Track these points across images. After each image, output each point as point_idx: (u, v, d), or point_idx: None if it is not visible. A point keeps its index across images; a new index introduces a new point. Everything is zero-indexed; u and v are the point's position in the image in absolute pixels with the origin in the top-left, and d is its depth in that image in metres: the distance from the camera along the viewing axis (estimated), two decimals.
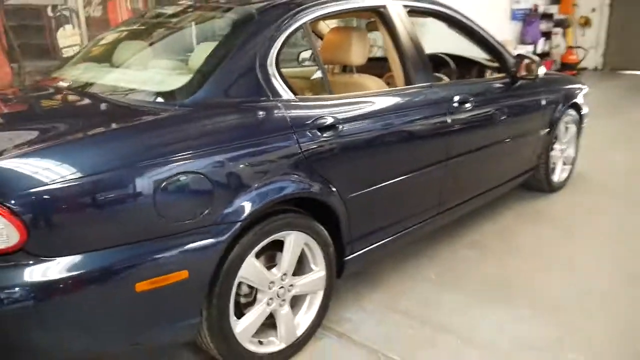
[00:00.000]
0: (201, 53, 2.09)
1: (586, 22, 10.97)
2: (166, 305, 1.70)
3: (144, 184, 1.59)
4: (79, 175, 1.51)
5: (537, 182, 3.76)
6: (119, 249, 1.58)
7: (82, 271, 1.51)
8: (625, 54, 10.77)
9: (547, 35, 10.35)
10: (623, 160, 4.74)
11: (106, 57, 2.42)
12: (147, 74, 2.18)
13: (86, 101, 2.11)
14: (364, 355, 2.13)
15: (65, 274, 1.49)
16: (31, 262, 1.48)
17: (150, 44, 2.47)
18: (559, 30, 10.56)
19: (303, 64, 3.71)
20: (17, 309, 1.47)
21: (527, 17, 9.84)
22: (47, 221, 1.48)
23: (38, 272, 1.47)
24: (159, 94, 1.93)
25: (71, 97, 2.23)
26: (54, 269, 1.49)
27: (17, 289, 1.45)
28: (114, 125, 1.74)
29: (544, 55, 10.33)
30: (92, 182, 1.52)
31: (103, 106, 2.01)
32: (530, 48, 9.68)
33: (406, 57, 2.57)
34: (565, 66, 10.19)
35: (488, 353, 2.13)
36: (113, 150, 1.61)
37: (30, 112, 2.18)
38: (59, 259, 1.50)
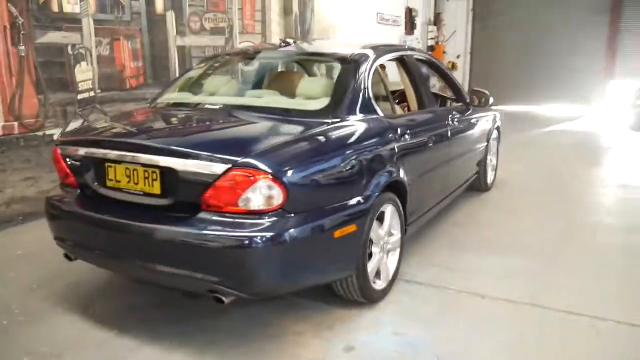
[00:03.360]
0: (316, 85, 3.03)
1: (453, 66, 13.28)
2: (345, 249, 2.56)
3: (335, 167, 2.47)
4: (308, 160, 2.36)
5: (478, 183, 5.08)
6: (326, 208, 2.42)
7: (311, 222, 2.34)
8: None
9: None
10: (519, 169, 6.37)
11: (238, 88, 3.23)
12: (286, 100, 3.02)
13: (263, 115, 2.84)
14: (429, 289, 3.13)
15: (303, 224, 2.30)
16: (286, 215, 2.27)
17: (264, 79, 3.34)
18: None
19: None
20: (281, 247, 2.23)
21: None
22: (295, 190, 2.28)
23: (291, 222, 2.27)
24: (312, 112, 2.80)
25: (245, 113, 2.92)
26: (298, 220, 2.29)
27: (283, 232, 2.24)
28: (311, 131, 2.58)
29: None
30: (315, 165, 2.38)
31: (285, 119, 2.79)
32: None
33: (421, 89, 3.70)
34: None
35: (498, 277, 3.25)
36: (317, 148, 2.49)
37: (239, 124, 2.85)
38: (297, 215, 2.31)
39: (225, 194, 2.24)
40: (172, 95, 3.36)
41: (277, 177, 2.22)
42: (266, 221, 2.23)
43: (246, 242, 2.19)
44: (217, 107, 3.02)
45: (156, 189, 2.41)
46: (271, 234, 2.21)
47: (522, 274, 3.32)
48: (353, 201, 2.57)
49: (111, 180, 2.55)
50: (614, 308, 2.88)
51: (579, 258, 3.59)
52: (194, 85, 3.40)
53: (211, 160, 2.27)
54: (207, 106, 3.07)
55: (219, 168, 2.24)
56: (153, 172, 2.40)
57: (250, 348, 2.53)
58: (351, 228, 2.54)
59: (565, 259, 3.58)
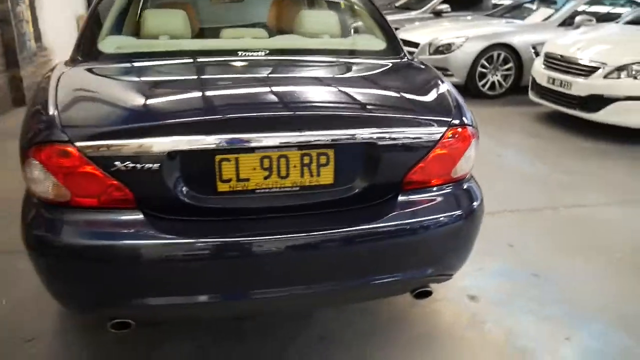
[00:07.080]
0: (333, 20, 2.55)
1: None
2: None
3: None
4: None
5: None
6: None
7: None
8: None
9: None
10: None
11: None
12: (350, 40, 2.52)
13: (339, 61, 2.30)
14: None
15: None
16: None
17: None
18: None
19: None
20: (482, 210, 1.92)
21: None
22: None
23: (474, 181, 1.96)
24: (380, 52, 2.37)
25: (315, 60, 2.27)
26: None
27: (480, 193, 1.91)
28: (439, 77, 2.13)
29: None
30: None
31: (379, 63, 2.29)
32: None
33: None
34: None
35: None
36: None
37: (362, 75, 2.22)
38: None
39: (439, 163, 1.75)
40: (135, 43, 2.20)
41: (476, 134, 1.87)
42: (466, 186, 1.88)
43: (470, 214, 1.82)
44: (260, 56, 2.13)
45: (326, 177, 1.66)
46: (479, 198, 1.89)
47: None
48: None
49: (227, 181, 1.60)
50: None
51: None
52: (165, 28, 2.27)
53: (427, 124, 1.73)
54: (243, 55, 2.11)
55: (435, 132, 1.72)
56: (321, 154, 1.64)
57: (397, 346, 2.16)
58: None
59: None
